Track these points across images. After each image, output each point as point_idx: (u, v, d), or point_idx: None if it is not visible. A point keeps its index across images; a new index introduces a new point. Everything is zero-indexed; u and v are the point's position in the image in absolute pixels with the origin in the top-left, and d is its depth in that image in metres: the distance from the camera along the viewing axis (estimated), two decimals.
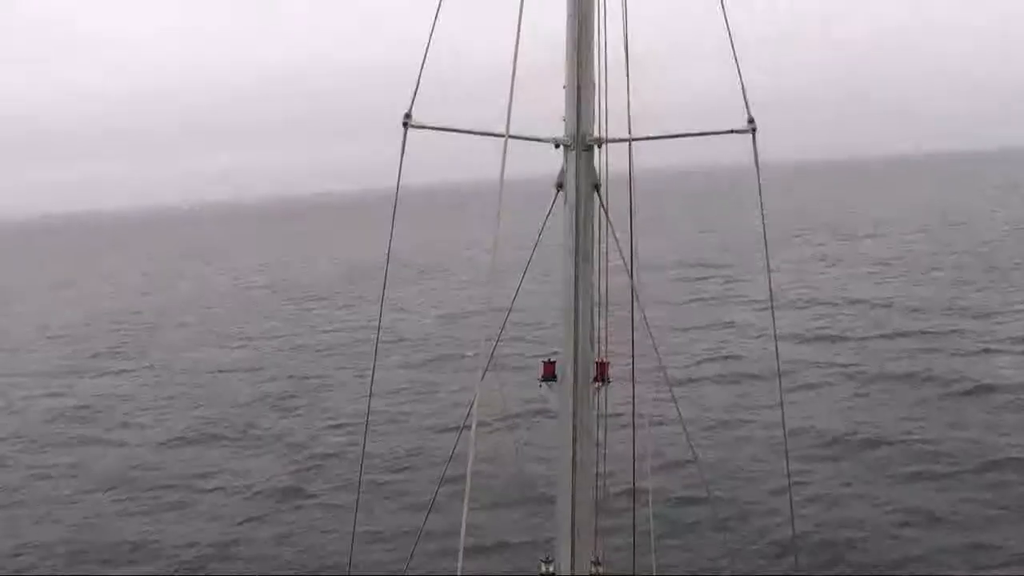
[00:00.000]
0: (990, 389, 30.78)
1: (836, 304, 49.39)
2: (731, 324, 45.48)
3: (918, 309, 46.06)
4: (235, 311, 65.03)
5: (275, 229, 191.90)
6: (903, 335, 40.04)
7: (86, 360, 49.53)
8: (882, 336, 40.20)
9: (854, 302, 49.51)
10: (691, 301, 53.65)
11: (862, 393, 31.78)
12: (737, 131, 6.06)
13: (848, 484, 23.75)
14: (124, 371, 45.77)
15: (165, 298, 76.34)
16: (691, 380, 33.50)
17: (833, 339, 40.49)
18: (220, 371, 43.88)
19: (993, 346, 36.98)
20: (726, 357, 38.32)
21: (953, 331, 40.06)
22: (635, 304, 6.84)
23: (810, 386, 32.50)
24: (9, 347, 56.18)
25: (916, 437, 26.58)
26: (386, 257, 9.31)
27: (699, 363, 37.21)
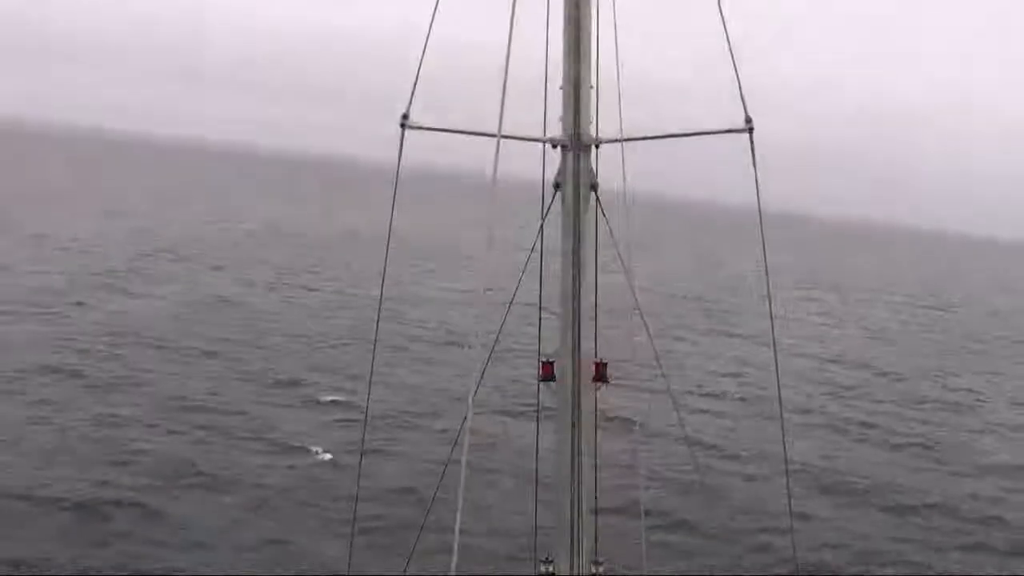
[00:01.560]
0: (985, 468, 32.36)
1: (836, 361, 51.15)
2: (732, 360, 46.87)
3: (907, 379, 48.08)
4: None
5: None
6: (892, 401, 41.83)
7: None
8: (873, 400, 41.84)
9: (850, 362, 51.36)
10: (694, 335, 54.69)
11: (848, 447, 33.31)
12: (735, 130, 5.87)
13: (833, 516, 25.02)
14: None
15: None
16: (692, 412, 34.40)
17: (832, 394, 41.98)
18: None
19: (977, 427, 38.78)
20: (725, 392, 39.56)
21: (942, 408, 41.75)
22: (634, 301, 6.80)
23: (803, 433, 33.64)
24: None
25: (911, 501, 28.03)
26: (385, 250, 9.31)
27: (700, 395, 38.26)
